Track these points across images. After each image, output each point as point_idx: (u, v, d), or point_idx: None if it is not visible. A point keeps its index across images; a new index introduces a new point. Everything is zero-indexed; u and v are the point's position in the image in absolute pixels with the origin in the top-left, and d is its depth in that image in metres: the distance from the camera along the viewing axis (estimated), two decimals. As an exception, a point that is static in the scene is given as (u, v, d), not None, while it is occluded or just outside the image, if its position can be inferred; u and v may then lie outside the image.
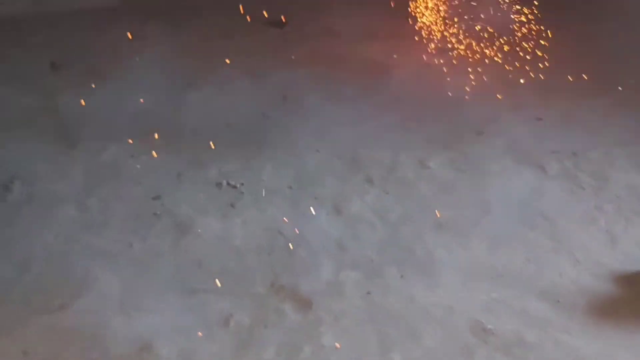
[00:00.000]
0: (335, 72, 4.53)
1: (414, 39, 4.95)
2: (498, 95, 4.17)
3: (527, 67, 4.49)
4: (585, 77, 4.28)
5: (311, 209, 3.23)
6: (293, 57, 4.67)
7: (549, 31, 4.81)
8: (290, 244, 3.00)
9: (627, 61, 4.53)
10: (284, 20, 5.14)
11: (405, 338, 2.53)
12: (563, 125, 3.91)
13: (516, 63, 4.55)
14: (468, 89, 4.28)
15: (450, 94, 4.25)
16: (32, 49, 4.74)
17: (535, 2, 5.07)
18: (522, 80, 4.36)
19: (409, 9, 5.24)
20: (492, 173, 3.51)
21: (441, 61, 4.66)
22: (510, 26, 4.92)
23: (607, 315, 2.65)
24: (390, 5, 5.31)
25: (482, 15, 5.03)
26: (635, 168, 3.52)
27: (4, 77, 4.36)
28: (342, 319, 2.61)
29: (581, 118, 3.97)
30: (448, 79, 4.43)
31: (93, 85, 4.21)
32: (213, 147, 3.61)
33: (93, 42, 4.82)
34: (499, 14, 5.03)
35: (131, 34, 4.93)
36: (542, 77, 4.33)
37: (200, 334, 2.54)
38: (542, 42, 4.78)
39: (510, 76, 4.41)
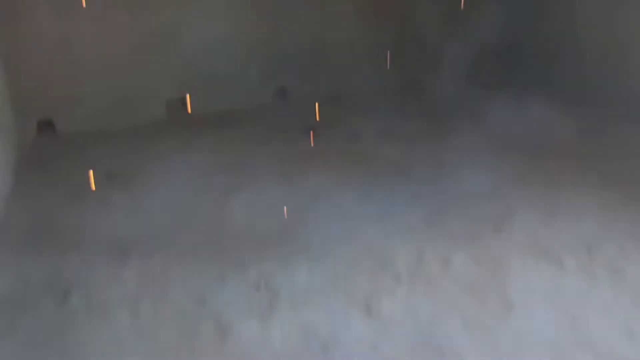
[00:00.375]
0: (361, 173, 4.55)
1: (431, 139, 4.98)
2: (512, 192, 4.13)
3: (537, 166, 4.45)
4: (594, 175, 4.21)
5: (344, 309, 3.15)
6: (323, 161, 4.71)
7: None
8: (325, 346, 2.90)
9: (634, 159, 4.48)
10: (314, 128, 5.22)
11: None
12: (576, 221, 3.81)
13: (527, 162, 4.53)
14: (484, 187, 4.24)
15: (467, 191, 4.22)
16: (90, 161, 4.85)
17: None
18: (535, 176, 4.31)
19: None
20: (512, 269, 3.40)
21: (457, 160, 4.65)
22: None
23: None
24: (408, 109, 5.39)
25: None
26: (649, 260, 3.40)
27: (66, 188, 4.45)
28: (377, 423, 2.49)
29: (593, 213, 3.88)
30: (465, 176, 4.40)
31: (144, 196, 4.27)
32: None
33: (145, 154, 4.93)
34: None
35: (179, 145, 5.06)
36: (553, 176, 4.27)
37: None
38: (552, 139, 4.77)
39: (522, 174, 4.37)
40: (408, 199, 4.16)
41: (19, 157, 4.93)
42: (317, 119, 5.30)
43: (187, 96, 5.48)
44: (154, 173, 4.60)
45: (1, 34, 4.97)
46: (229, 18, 5.64)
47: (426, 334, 2.95)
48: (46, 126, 5.37)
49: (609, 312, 3.04)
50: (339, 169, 4.61)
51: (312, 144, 5.02)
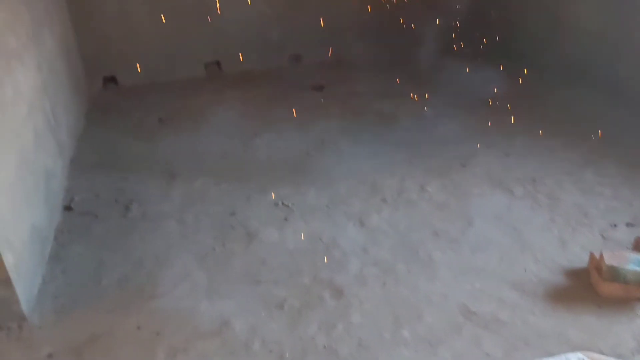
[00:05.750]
0: (358, 122, 4.52)
1: (413, 97, 4.93)
2: (476, 137, 4.11)
3: (497, 119, 4.42)
4: (539, 127, 4.18)
5: (342, 222, 3.20)
6: (328, 112, 4.68)
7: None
8: (328, 248, 2.97)
9: (572, 114, 4.43)
10: (322, 86, 5.17)
11: (412, 317, 2.47)
12: (525, 159, 3.81)
13: (489, 116, 4.49)
14: (454, 134, 4.22)
15: (441, 137, 4.20)
16: (145, 108, 4.85)
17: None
18: (494, 126, 4.28)
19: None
20: (473, 195, 3.42)
21: (434, 113, 4.62)
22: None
23: (560, 300, 2.55)
24: (396, 75, 5.31)
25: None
26: (579, 191, 3.40)
27: (126, 129, 4.46)
28: (365, 303, 2.56)
29: (538, 154, 3.86)
30: (439, 126, 4.38)
31: (188, 135, 4.28)
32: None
33: (188, 104, 4.90)
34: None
35: (214, 97, 5.02)
36: (508, 127, 4.24)
37: (263, 314, 2.52)
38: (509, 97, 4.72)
39: (485, 125, 4.34)
40: (394, 142, 4.14)
41: (89, 105, 4.93)
42: (327, 78, 5.23)
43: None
44: (195, 119, 4.58)
45: (75, 11, 4.89)
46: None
47: (405, 240, 3.01)
48: (110, 80, 5.34)
49: (547, 228, 3.09)
50: (341, 119, 4.57)
51: (321, 99, 4.98)
